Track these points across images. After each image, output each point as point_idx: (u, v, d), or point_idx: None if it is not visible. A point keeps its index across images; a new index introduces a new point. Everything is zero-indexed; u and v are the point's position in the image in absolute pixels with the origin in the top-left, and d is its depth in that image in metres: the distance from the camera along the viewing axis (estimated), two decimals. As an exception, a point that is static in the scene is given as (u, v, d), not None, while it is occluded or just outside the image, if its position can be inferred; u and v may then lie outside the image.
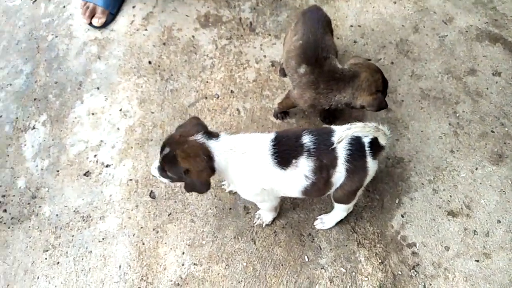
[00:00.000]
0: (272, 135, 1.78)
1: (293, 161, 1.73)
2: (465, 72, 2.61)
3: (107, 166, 2.39)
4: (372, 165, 1.77)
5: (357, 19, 2.81)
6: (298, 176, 1.74)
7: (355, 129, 1.62)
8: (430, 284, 2.00)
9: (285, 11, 2.83)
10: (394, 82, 2.57)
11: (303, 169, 1.73)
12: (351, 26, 2.78)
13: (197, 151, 1.65)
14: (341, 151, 1.72)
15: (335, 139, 1.71)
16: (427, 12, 2.85)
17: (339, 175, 1.75)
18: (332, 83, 1.98)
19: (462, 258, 2.06)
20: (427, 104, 2.50)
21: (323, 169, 1.72)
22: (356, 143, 1.73)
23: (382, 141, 1.73)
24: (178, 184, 2.30)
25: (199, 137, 1.69)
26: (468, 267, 2.03)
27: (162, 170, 1.78)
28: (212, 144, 1.70)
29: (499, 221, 2.13)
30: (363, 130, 1.64)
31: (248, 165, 1.74)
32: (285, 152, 1.74)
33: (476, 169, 2.28)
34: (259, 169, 1.74)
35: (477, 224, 2.13)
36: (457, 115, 2.46)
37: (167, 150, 1.68)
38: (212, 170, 1.70)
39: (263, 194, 1.85)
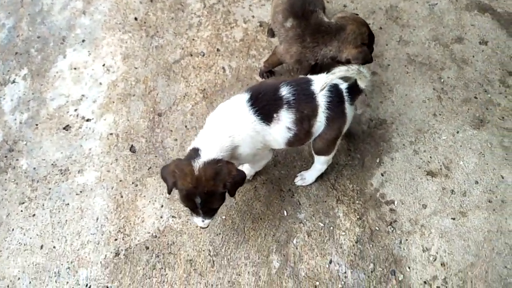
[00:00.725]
0: (246, 96, 1.73)
1: (274, 115, 1.71)
2: (452, 39, 2.61)
3: (87, 120, 2.35)
4: (350, 111, 1.77)
5: (347, -16, 2.78)
6: (281, 129, 1.73)
7: (339, 72, 1.61)
8: (407, 240, 2.01)
9: (275, -27, 2.78)
10: (382, 47, 2.56)
11: (284, 121, 1.72)
12: (341, -10, 2.76)
13: (213, 172, 1.60)
14: (321, 99, 1.71)
15: (315, 87, 1.70)
16: (418, -19, 2.83)
17: (319, 124, 1.74)
18: (318, 36, 1.96)
19: (438, 215, 2.07)
20: (412, 69, 2.49)
21: (304, 119, 1.71)
22: (334, 90, 1.73)
23: (363, 83, 1.72)
24: (159, 139, 2.28)
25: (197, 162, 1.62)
26: (444, 225, 2.05)
27: (210, 212, 1.70)
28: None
29: (476, 182, 2.15)
30: (347, 73, 1.62)
31: (242, 139, 1.70)
32: (265, 107, 1.71)
33: (457, 132, 2.29)
34: (251, 134, 1.70)
35: (455, 184, 2.14)
36: (442, 80, 2.46)
37: (199, 197, 1.60)
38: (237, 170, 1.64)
39: (261, 153, 1.83)
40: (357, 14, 2.15)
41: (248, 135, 1.69)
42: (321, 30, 1.97)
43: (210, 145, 1.64)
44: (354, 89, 1.75)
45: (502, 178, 2.18)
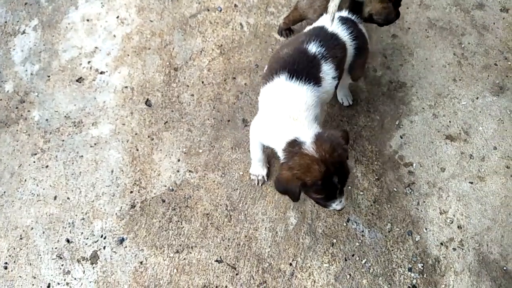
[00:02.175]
0: (283, 77, 1.62)
1: (320, 75, 1.66)
2: (473, 5, 2.56)
3: (101, 73, 2.29)
4: (364, 28, 1.84)
5: None
6: (329, 81, 1.69)
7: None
8: (424, 202, 2.01)
9: None
10: (403, 10, 2.49)
11: (329, 74, 1.69)
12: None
13: (329, 144, 1.51)
14: (344, 35, 1.72)
15: (330, 28, 1.72)
16: None
17: (349, 57, 1.77)
18: None
19: (456, 179, 2.07)
20: (433, 33, 2.45)
21: (341, 61, 1.72)
22: (345, 21, 1.76)
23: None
24: (176, 94, 2.23)
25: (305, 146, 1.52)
26: (462, 188, 2.05)
27: (344, 187, 1.59)
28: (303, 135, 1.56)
29: (495, 148, 2.15)
30: None
31: (308, 109, 1.61)
32: (309, 73, 1.63)
33: (477, 98, 2.27)
34: (315, 102, 1.63)
35: (473, 149, 2.14)
36: (462, 46, 2.43)
37: (335, 175, 1.49)
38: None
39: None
40: None
41: (313, 104, 1.62)
42: None
43: (301, 127, 1.56)
44: (355, 8, 1.79)
45: (521, 145, 2.18)
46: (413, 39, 2.42)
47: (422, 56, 2.37)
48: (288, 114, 1.58)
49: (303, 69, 1.63)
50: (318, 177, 1.46)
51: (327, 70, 1.67)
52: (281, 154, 1.58)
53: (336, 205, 1.59)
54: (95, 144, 2.13)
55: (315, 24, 1.80)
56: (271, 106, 1.65)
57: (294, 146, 1.52)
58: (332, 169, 1.47)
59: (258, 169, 1.97)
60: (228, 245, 1.90)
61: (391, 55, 2.35)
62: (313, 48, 1.68)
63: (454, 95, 2.27)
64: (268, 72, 1.71)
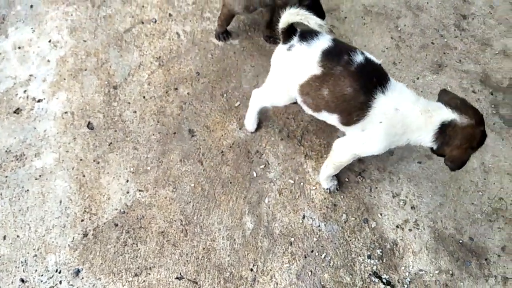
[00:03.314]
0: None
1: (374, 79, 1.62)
2: (406, -13, 2.60)
3: (38, 101, 2.22)
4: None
5: None
6: None
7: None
8: (376, 188, 2.04)
9: None
10: (338, 0, 2.52)
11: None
12: None
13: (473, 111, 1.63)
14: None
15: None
16: None
17: None
18: None
19: (405, 161, 2.10)
20: (369, 19, 2.47)
21: None
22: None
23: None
24: (117, 112, 2.18)
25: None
26: (412, 169, 2.08)
27: None
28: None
29: (439, 125, 2.18)
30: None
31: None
32: (377, 82, 1.62)
33: (418, 78, 2.31)
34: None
35: (419, 129, 2.16)
36: (399, 29, 2.46)
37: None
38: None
39: None
40: None
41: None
42: None
43: (438, 111, 1.62)
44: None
45: (463, 119, 2.22)
46: (351, 27, 2.43)
47: (361, 43, 2.39)
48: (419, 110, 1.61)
49: (371, 79, 1.62)
50: (482, 137, 1.61)
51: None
52: (431, 143, 1.63)
53: None
54: (40, 176, 2.06)
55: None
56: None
57: (446, 128, 1.58)
58: (482, 121, 1.60)
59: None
60: (187, 260, 1.87)
61: (330, 46, 2.36)
62: (358, 59, 1.61)
63: (395, 78, 2.28)
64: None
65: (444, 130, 1.58)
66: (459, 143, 1.59)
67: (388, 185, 2.05)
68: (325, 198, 2.01)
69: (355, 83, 1.56)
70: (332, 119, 1.69)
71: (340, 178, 2.05)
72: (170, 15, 2.40)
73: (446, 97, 1.66)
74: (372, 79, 1.59)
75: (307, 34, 1.62)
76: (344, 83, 1.57)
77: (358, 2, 2.51)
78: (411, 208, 2.01)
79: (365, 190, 2.03)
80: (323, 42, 1.61)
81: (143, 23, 2.37)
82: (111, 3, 2.41)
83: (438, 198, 2.04)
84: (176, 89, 2.23)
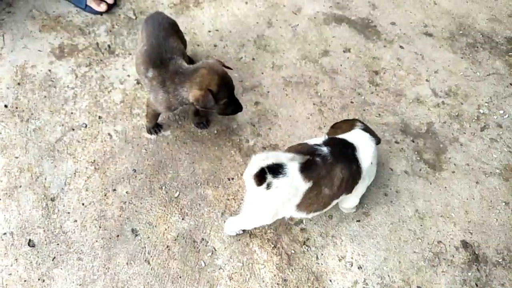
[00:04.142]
0: None
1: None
2: (319, 54, 2.81)
3: (-25, 226, 2.17)
4: None
5: (214, 24, 2.90)
6: None
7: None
8: (322, 254, 2.10)
9: (142, 28, 2.82)
10: (258, 76, 2.69)
11: None
12: (209, 31, 2.86)
13: None
14: None
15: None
16: (277, 7, 3.03)
17: None
18: (175, 79, 2.02)
19: (345, 222, 2.19)
20: (290, 90, 2.64)
21: None
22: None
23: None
24: (58, 225, 2.17)
25: None
26: (352, 229, 2.17)
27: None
28: None
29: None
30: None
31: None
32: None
33: (344, 139, 2.45)
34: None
35: (352, 188, 2.28)
36: (319, 94, 2.64)
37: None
38: None
39: None
40: (228, 67, 2.10)
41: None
42: (179, 73, 2.03)
43: None
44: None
45: (391, 170, 2.37)
46: (274, 100, 2.59)
47: (286, 114, 2.53)
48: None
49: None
50: None
51: None
52: None
53: None
54: (-18, 306, 1.98)
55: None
56: None
57: None
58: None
59: None
60: None
61: (258, 122, 2.49)
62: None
63: (323, 142, 2.43)
64: None
65: None
66: None
67: (333, 249, 2.12)
68: (275, 275, 2.04)
69: (342, 165, 1.80)
70: (340, 198, 1.93)
71: (286, 251, 2.11)
72: (99, 117, 2.47)
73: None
74: (348, 149, 1.87)
75: (276, 168, 1.73)
76: (336, 173, 1.80)
77: (277, 75, 2.69)
78: (358, 268, 2.08)
79: (311, 259, 2.09)
80: (293, 164, 1.76)
81: (73, 129, 2.42)
82: (40, 115, 2.46)
83: (381, 253, 2.12)
84: (114, 190, 2.26)
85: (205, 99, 1.98)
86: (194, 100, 2.00)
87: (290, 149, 1.88)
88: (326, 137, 1.93)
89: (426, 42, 2.94)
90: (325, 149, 1.82)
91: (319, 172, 1.78)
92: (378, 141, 2.03)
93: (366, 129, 2.04)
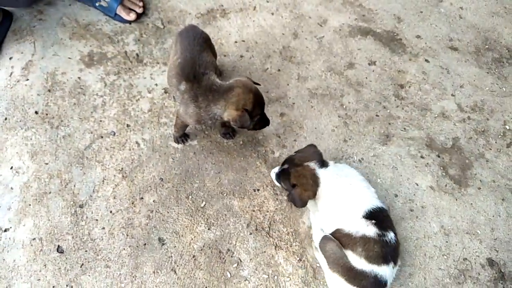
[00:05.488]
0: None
1: None
2: (344, 66, 2.82)
3: (5, 230, 2.22)
4: None
5: (240, 34, 2.92)
6: None
7: None
8: (347, 269, 2.09)
9: (170, 38, 2.86)
10: (284, 87, 2.71)
11: None
12: (236, 42, 2.89)
13: (307, 175, 1.96)
14: None
15: None
16: (303, 18, 3.05)
17: None
18: (209, 96, 2.04)
19: (370, 237, 2.18)
20: (316, 102, 2.65)
21: None
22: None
23: None
24: (86, 232, 2.20)
25: (312, 165, 1.99)
26: (377, 244, 2.16)
27: (278, 177, 2.11)
28: (321, 172, 1.97)
29: (396, 195, 2.31)
30: None
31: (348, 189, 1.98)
32: None
33: (368, 152, 2.46)
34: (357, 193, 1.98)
35: (378, 203, 2.28)
36: (344, 106, 2.64)
37: (285, 166, 2.04)
38: (314, 194, 1.96)
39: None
40: (257, 83, 2.13)
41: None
42: (212, 90, 2.05)
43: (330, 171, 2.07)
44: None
45: (417, 185, 2.36)
46: (300, 112, 2.60)
47: (311, 126, 2.54)
48: None
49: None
50: (287, 158, 2.12)
51: None
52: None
53: None
54: (12, 310, 2.02)
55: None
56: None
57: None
58: (287, 161, 2.13)
59: None
60: None
61: (283, 133, 2.51)
62: None
63: (348, 155, 2.45)
64: None
65: None
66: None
67: (358, 264, 2.11)
68: (300, 288, 2.05)
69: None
70: None
71: (312, 264, 2.11)
72: (128, 125, 2.51)
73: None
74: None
75: None
76: None
77: (303, 87, 2.70)
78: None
79: (337, 274, 2.08)
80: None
81: (102, 137, 2.46)
82: (69, 122, 2.50)
83: (407, 268, 2.12)
84: (141, 198, 2.29)
85: (242, 119, 2.00)
86: (231, 120, 2.03)
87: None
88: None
89: (452, 56, 2.93)
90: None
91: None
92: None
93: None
